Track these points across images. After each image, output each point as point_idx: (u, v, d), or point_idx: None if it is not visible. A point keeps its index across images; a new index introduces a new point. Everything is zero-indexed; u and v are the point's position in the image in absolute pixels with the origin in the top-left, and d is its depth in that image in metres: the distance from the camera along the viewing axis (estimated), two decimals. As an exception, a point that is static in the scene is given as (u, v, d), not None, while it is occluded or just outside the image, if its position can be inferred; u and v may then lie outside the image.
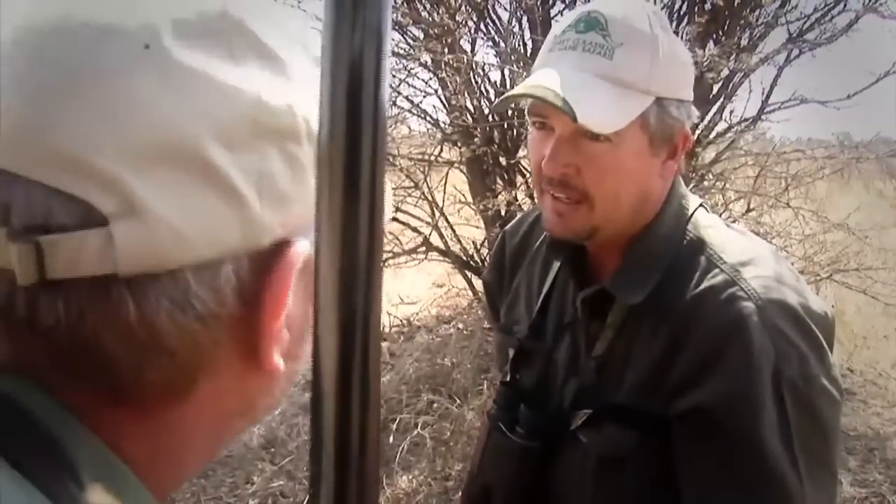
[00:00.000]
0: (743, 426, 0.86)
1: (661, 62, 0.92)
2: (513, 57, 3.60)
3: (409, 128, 4.21)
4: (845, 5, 3.90)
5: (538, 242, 1.16)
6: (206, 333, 0.37)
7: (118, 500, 0.35)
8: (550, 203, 0.96)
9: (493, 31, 3.98)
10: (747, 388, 0.85)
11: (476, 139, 3.65)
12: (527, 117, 0.99)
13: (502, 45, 3.78)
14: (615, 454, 0.95)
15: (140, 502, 0.37)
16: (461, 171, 4.02)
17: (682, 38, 3.48)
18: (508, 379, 1.12)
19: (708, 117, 3.78)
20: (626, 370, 0.96)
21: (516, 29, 3.96)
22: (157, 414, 0.38)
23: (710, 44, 3.86)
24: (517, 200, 3.54)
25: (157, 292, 0.35)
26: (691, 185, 3.70)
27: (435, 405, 3.72)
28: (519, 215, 1.30)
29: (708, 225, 0.99)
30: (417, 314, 4.67)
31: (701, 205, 1.02)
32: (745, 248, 0.95)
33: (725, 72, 3.70)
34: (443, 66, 3.49)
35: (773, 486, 0.85)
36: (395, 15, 3.94)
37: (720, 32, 3.86)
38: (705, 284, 0.91)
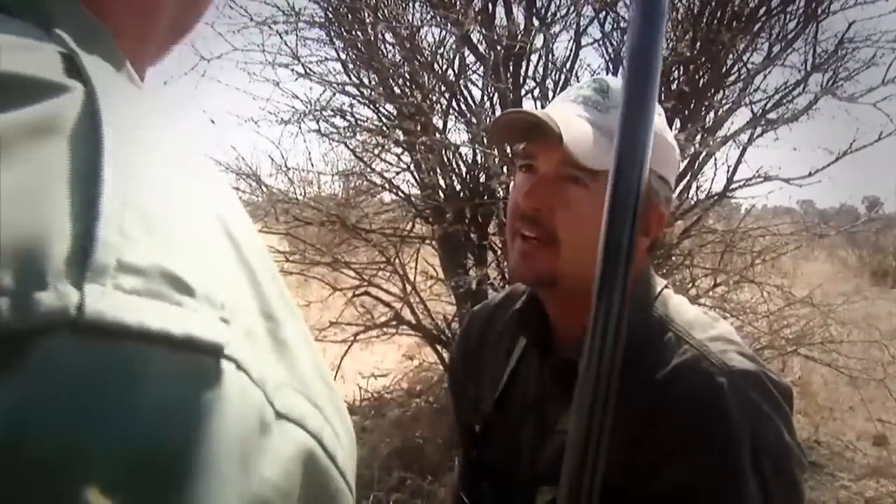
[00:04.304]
0: (729, 500, 0.86)
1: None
2: (484, 135, 3.66)
3: (382, 201, 4.25)
4: (804, 88, 4.05)
5: (504, 321, 1.16)
6: None
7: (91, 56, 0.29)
8: (519, 245, 0.97)
9: (465, 108, 4.05)
10: (731, 463, 0.85)
11: (448, 216, 3.69)
12: (515, 162, 1.02)
13: (473, 120, 3.84)
14: None
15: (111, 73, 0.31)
16: (432, 246, 4.04)
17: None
18: (473, 456, 1.10)
19: (674, 195, 3.86)
20: None
21: (487, 106, 4.04)
22: None
23: (677, 123, 3.96)
24: (489, 278, 3.56)
25: None
26: (657, 262, 3.76)
27: (407, 482, 3.68)
28: (486, 300, 1.30)
29: (674, 304, 1.01)
30: (388, 387, 4.64)
31: (666, 286, 1.04)
32: (708, 325, 0.97)
33: (692, 150, 3.79)
34: (416, 147, 3.54)
35: None
36: (368, 92, 4.00)
37: (686, 113, 3.97)
38: (676, 360, 0.92)
